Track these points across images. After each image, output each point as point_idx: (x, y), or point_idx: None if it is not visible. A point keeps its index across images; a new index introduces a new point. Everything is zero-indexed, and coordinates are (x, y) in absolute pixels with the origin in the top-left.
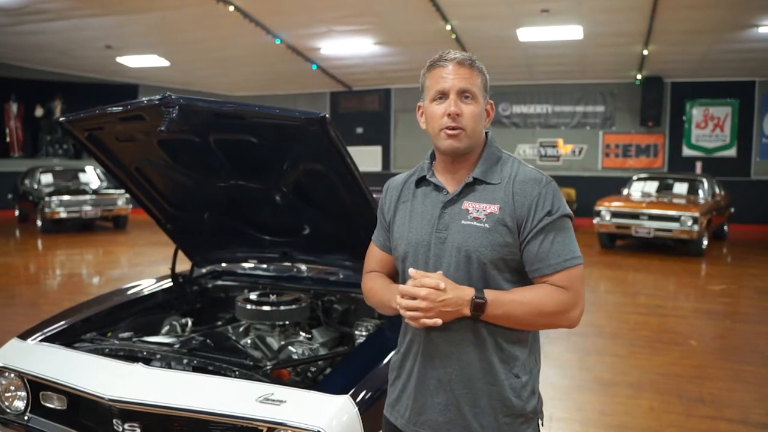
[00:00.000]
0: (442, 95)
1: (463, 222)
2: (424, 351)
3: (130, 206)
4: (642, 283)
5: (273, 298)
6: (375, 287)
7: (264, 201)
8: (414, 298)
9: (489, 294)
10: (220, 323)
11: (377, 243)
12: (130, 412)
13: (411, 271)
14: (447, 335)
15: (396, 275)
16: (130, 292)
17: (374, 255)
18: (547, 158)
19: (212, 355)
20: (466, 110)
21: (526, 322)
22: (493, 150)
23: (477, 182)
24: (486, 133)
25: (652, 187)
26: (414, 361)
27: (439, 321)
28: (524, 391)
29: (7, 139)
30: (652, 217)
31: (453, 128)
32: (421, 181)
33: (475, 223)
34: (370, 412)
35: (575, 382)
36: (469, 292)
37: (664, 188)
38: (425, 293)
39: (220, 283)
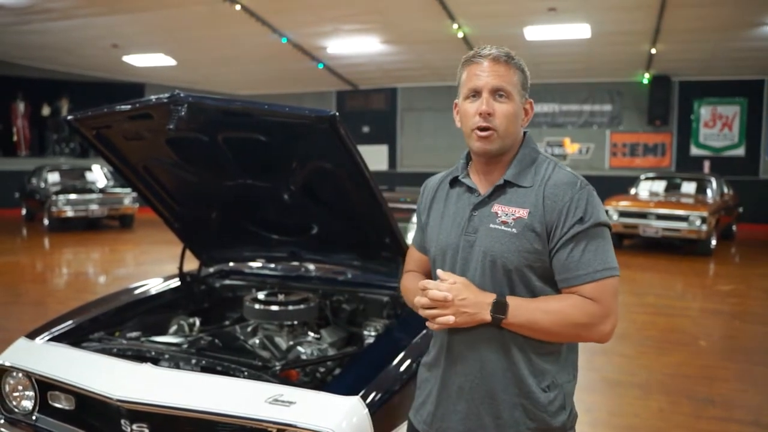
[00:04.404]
0: (476, 93)
1: (491, 226)
2: (446, 357)
3: (137, 205)
4: (650, 282)
5: (281, 297)
6: (409, 287)
7: (272, 200)
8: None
9: (512, 300)
10: (228, 323)
11: (415, 243)
12: (138, 413)
13: (439, 272)
14: (469, 342)
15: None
16: (137, 291)
17: (413, 255)
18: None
19: (221, 356)
20: (498, 109)
21: (552, 332)
22: (529, 151)
23: (508, 185)
24: (524, 132)
25: (659, 186)
26: (439, 367)
27: (451, 319)
28: (552, 406)
29: (14, 138)
30: (660, 217)
31: (484, 129)
32: (455, 182)
33: (502, 227)
34: (380, 413)
35: (583, 383)
36: (491, 296)
37: (672, 188)
38: (446, 287)
39: (227, 282)
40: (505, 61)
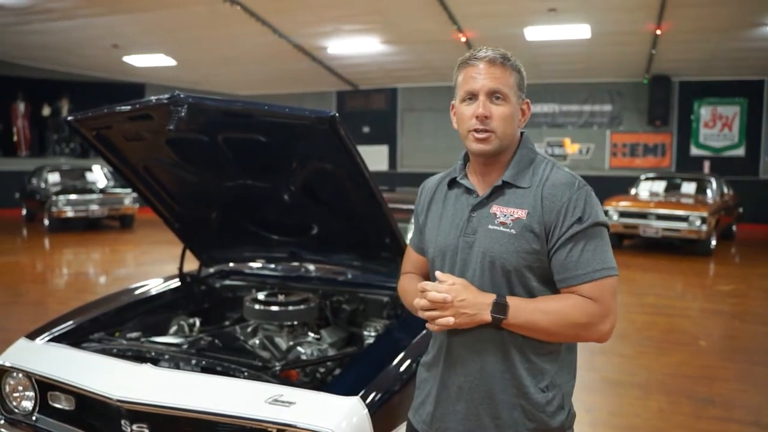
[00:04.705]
0: (472, 96)
1: (489, 227)
2: (446, 357)
3: (137, 205)
4: (650, 283)
5: (281, 298)
6: (408, 289)
7: (272, 200)
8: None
9: (512, 300)
10: (228, 323)
11: (412, 245)
12: (138, 413)
13: (438, 273)
14: (468, 342)
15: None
16: (137, 291)
17: (410, 257)
18: (553, 158)
19: (221, 356)
20: (495, 112)
21: (552, 332)
22: (527, 152)
23: (507, 185)
24: (521, 133)
25: (659, 186)
26: (438, 367)
27: (451, 320)
28: (550, 406)
29: (15, 139)
30: (660, 217)
31: (481, 131)
32: (453, 183)
33: (501, 228)
34: (380, 413)
35: (583, 383)
36: (490, 297)
37: (672, 188)
38: (445, 288)
39: (228, 282)
40: (501, 63)
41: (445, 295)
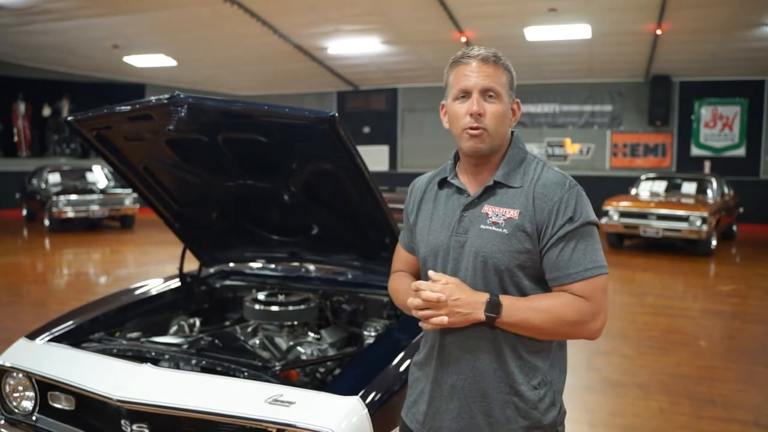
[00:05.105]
0: (465, 94)
1: (481, 226)
2: (438, 356)
3: (138, 205)
4: (650, 283)
5: (281, 298)
6: (399, 288)
7: (272, 200)
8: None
9: (505, 299)
10: (228, 323)
11: (403, 243)
12: (138, 413)
13: (431, 273)
14: (461, 341)
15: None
16: (137, 291)
17: (400, 255)
18: (554, 158)
19: (221, 356)
20: (489, 110)
21: (545, 331)
22: (517, 151)
23: (498, 185)
24: (512, 132)
25: (660, 186)
26: (430, 366)
27: (445, 319)
28: (542, 403)
29: (15, 139)
30: (660, 217)
31: (475, 128)
32: (444, 183)
33: (493, 228)
34: (379, 413)
35: (583, 383)
36: (484, 296)
37: (673, 188)
38: (439, 287)
39: (228, 283)
40: (494, 62)
41: (439, 295)
